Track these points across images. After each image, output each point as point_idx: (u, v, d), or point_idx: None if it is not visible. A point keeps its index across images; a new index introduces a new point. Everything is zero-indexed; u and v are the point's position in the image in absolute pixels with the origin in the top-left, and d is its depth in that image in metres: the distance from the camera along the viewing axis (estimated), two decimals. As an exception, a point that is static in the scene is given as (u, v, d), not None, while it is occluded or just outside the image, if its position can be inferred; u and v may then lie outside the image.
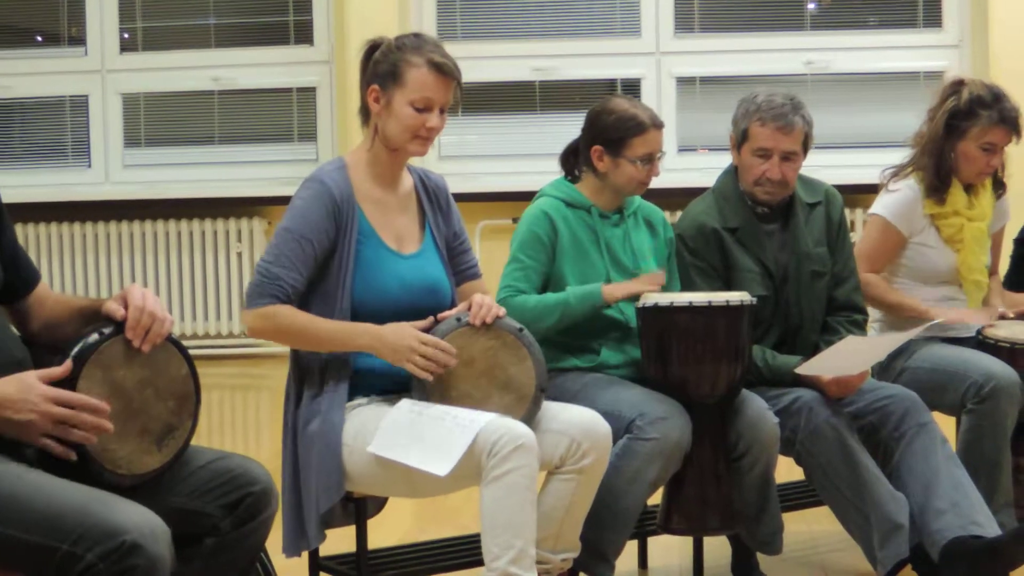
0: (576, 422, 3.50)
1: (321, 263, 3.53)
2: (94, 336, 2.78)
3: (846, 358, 4.04)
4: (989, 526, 4.04)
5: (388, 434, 3.39)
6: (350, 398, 3.55)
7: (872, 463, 4.09)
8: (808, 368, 4.05)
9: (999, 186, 4.74)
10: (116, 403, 2.76)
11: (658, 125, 4.09)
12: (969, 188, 4.62)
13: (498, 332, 3.52)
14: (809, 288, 4.28)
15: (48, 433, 2.68)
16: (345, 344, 3.51)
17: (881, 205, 4.60)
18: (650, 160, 4.07)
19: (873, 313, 4.69)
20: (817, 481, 4.13)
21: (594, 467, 3.50)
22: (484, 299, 3.55)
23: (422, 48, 3.57)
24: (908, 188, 4.58)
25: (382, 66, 3.59)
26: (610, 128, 4.08)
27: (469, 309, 3.53)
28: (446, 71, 3.56)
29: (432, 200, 3.77)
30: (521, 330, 3.55)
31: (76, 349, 2.75)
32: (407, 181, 3.75)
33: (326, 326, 3.50)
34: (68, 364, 2.74)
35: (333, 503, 3.46)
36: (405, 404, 3.45)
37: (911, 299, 4.56)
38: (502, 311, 3.54)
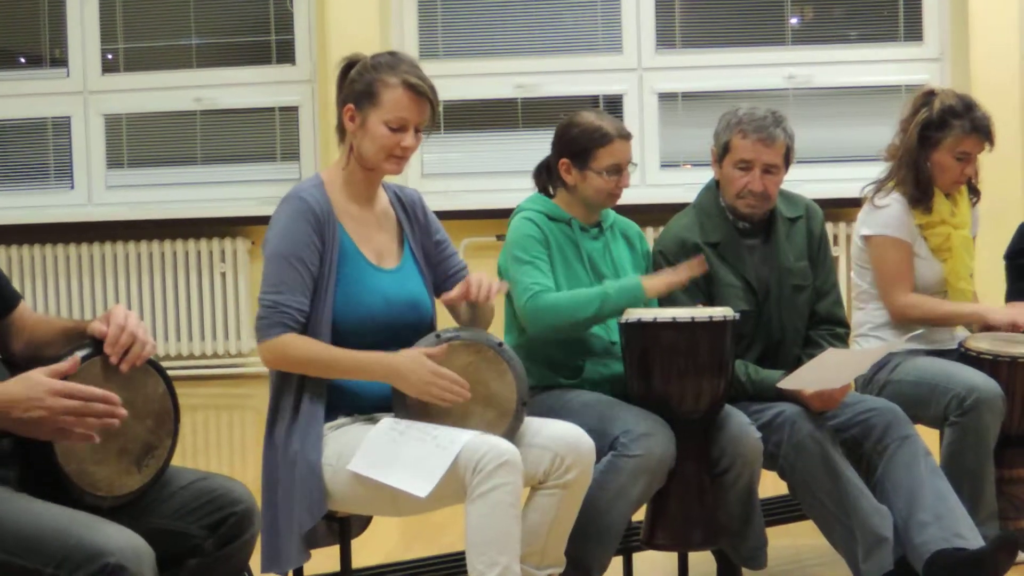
0: (559, 437, 3.50)
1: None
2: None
3: (828, 371, 4.04)
4: (973, 538, 4.04)
5: (369, 453, 3.39)
6: (333, 418, 3.54)
7: (856, 476, 4.10)
8: (790, 382, 4.06)
9: (973, 193, 4.76)
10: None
11: (624, 136, 4.10)
12: (948, 196, 4.63)
13: (478, 347, 3.51)
14: (791, 302, 4.28)
15: (61, 427, 2.66)
16: (360, 374, 3.50)
17: (878, 224, 4.60)
18: (618, 171, 4.08)
19: (863, 326, 4.68)
20: (801, 495, 4.13)
21: (578, 481, 3.50)
22: (481, 276, 3.56)
23: (397, 68, 3.57)
24: (896, 201, 4.59)
25: (357, 85, 3.59)
26: (575, 141, 4.10)
27: (467, 293, 3.54)
28: (421, 92, 3.56)
29: (409, 214, 3.77)
30: (501, 344, 3.54)
31: (55, 368, 2.75)
32: (383, 198, 3.75)
33: (342, 356, 3.48)
34: (76, 358, 2.75)
35: (314, 523, 3.45)
36: (386, 423, 3.45)
37: (962, 304, 4.59)
38: (504, 286, 3.54)
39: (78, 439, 2.68)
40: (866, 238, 4.63)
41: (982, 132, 4.57)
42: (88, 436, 2.69)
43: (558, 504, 3.49)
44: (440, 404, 3.43)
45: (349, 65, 3.65)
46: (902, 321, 4.57)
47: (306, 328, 3.50)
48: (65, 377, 2.71)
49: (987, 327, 4.59)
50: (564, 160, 4.12)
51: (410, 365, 3.43)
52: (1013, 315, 4.54)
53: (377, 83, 3.56)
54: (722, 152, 4.27)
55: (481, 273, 3.59)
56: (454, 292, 3.60)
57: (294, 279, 3.49)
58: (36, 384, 2.66)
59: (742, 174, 4.22)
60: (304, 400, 3.51)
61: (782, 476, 4.15)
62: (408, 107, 3.56)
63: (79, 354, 2.77)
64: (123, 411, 2.72)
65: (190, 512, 2.93)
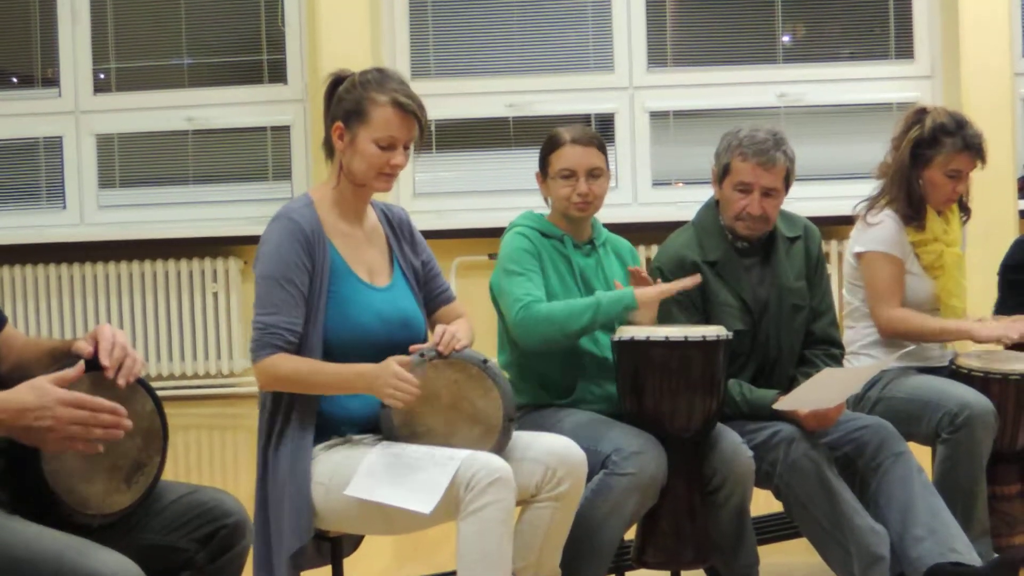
0: (550, 450, 3.50)
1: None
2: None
3: (822, 391, 4.04)
4: (968, 553, 4.05)
5: (366, 477, 3.37)
6: (326, 438, 3.53)
7: (851, 496, 4.09)
8: (786, 403, 4.06)
9: (964, 211, 4.77)
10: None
11: (578, 141, 4.09)
12: (940, 214, 4.64)
13: (462, 365, 3.50)
14: (789, 321, 4.28)
15: (67, 436, 2.66)
16: (343, 388, 3.49)
17: (871, 240, 4.60)
18: (571, 175, 4.07)
19: (854, 343, 4.67)
20: (797, 515, 4.12)
21: (570, 493, 3.50)
22: (447, 328, 3.54)
23: (386, 85, 3.56)
24: (889, 218, 4.60)
25: (346, 103, 3.57)
26: (541, 151, 4.12)
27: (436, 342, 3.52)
28: (409, 110, 3.55)
29: (397, 233, 3.76)
30: (485, 361, 3.53)
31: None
32: (371, 215, 3.74)
33: (326, 370, 3.47)
34: (80, 365, 2.74)
35: (303, 543, 3.44)
36: (381, 447, 3.44)
37: (949, 320, 4.58)
38: (466, 343, 3.53)
39: (84, 449, 2.67)
40: (858, 255, 4.63)
41: (973, 150, 4.58)
42: (92, 447, 2.68)
43: (551, 516, 3.49)
44: (396, 405, 3.39)
45: (336, 81, 3.64)
46: (890, 336, 4.58)
47: (299, 348, 3.49)
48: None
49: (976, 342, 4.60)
50: (538, 173, 4.16)
51: (380, 367, 3.41)
52: (1000, 330, 4.54)
53: (366, 101, 3.55)
54: (722, 173, 4.26)
55: (449, 326, 3.56)
56: (426, 344, 3.56)
57: (285, 300, 3.47)
58: (46, 392, 2.66)
59: (741, 196, 4.22)
60: (293, 422, 3.50)
61: (777, 496, 4.14)
62: (397, 126, 3.54)
63: (80, 364, 2.77)
64: (128, 422, 2.71)
65: (181, 526, 2.93)
